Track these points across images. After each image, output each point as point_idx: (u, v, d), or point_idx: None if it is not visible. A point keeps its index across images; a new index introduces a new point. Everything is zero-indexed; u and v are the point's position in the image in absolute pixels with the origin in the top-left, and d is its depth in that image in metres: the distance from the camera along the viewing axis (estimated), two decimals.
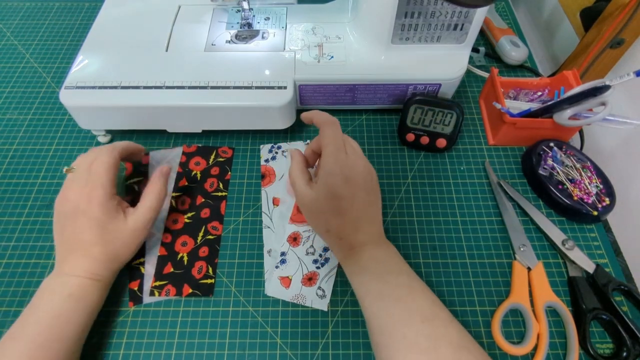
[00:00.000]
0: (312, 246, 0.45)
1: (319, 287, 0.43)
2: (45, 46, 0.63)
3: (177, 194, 0.49)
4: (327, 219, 0.37)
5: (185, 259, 0.44)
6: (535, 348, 0.39)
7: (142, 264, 0.44)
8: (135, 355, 0.39)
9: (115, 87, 0.47)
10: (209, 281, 0.43)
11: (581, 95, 0.45)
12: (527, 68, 0.61)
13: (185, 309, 0.42)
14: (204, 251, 0.45)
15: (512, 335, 0.41)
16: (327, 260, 0.44)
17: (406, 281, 0.36)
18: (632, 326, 0.38)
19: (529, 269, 0.43)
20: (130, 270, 0.43)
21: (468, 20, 0.47)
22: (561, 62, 0.60)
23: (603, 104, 0.44)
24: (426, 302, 0.34)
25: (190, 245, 0.45)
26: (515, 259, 0.44)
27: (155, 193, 0.42)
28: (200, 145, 0.52)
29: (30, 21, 0.67)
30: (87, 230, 0.38)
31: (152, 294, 0.42)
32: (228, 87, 0.47)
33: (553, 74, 0.59)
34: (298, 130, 0.54)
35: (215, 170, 0.50)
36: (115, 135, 0.53)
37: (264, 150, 0.52)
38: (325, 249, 0.45)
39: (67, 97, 0.46)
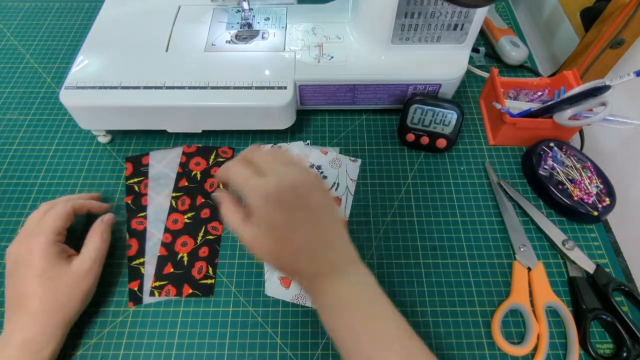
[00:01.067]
0: None
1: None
2: (45, 46, 0.63)
3: (177, 194, 0.48)
4: (275, 255, 0.31)
5: (186, 259, 0.44)
6: (535, 348, 0.39)
7: (142, 264, 0.44)
8: (135, 355, 0.39)
9: (115, 87, 0.47)
10: (209, 281, 0.43)
11: (581, 95, 0.45)
12: (527, 68, 0.61)
13: (185, 309, 0.42)
14: (204, 251, 0.45)
15: (512, 336, 0.41)
16: None
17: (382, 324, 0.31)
18: (632, 326, 0.38)
19: (529, 269, 0.43)
20: (130, 270, 0.43)
21: (468, 20, 0.47)
22: (561, 62, 0.60)
23: (603, 104, 0.44)
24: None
25: (190, 245, 0.45)
26: (515, 259, 0.44)
27: (98, 234, 0.41)
28: (200, 145, 0.52)
29: (30, 21, 0.66)
30: (27, 281, 0.36)
31: (152, 294, 0.42)
32: (228, 87, 0.47)
33: (553, 74, 0.59)
34: (298, 130, 0.54)
35: (215, 171, 0.50)
36: (116, 135, 0.53)
37: None
38: None
39: (67, 97, 0.46)
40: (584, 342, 0.39)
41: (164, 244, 0.45)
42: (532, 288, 0.42)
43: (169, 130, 0.51)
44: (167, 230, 0.46)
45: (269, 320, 0.41)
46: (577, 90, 0.46)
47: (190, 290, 0.42)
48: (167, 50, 0.51)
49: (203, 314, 0.41)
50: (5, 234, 0.46)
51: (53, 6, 0.69)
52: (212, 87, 0.47)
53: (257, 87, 0.47)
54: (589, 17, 0.54)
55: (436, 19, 0.46)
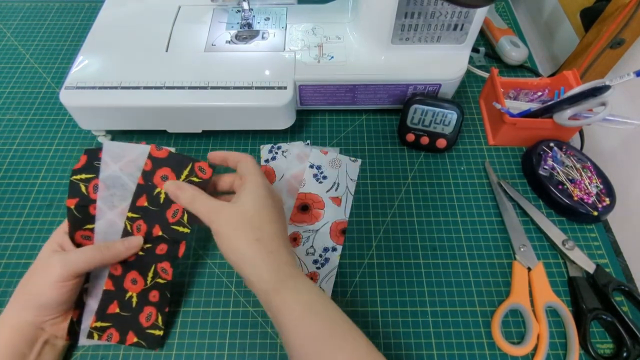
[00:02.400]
0: (312, 246, 0.45)
1: (319, 288, 0.42)
2: (45, 46, 0.63)
3: (133, 215, 0.38)
4: (259, 226, 0.34)
5: (135, 300, 0.38)
6: (535, 348, 0.39)
7: (85, 290, 0.38)
8: (136, 355, 0.39)
9: (115, 87, 0.47)
10: (157, 332, 0.38)
11: (581, 95, 0.45)
12: (527, 68, 0.61)
13: (185, 309, 0.42)
14: (154, 295, 0.39)
15: (512, 336, 0.41)
16: (327, 260, 0.44)
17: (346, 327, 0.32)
18: (632, 326, 0.38)
19: (529, 269, 0.43)
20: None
21: (468, 20, 0.47)
22: (561, 62, 0.60)
23: (603, 104, 0.44)
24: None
25: (140, 284, 0.38)
26: (515, 259, 0.44)
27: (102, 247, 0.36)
28: (173, 150, 0.39)
29: (30, 21, 0.67)
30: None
31: (90, 335, 0.37)
32: (228, 88, 0.47)
33: (553, 74, 0.59)
34: (298, 130, 0.54)
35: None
36: (116, 135, 0.53)
37: (264, 150, 0.52)
38: (325, 249, 0.45)
39: (67, 97, 0.46)
40: (584, 342, 0.39)
41: (111, 276, 0.37)
42: (532, 288, 0.42)
43: (169, 131, 0.51)
44: None
45: (269, 320, 0.41)
46: (577, 90, 0.46)
47: (135, 339, 0.38)
48: (167, 50, 0.51)
49: (203, 314, 0.41)
50: (5, 233, 0.46)
51: (53, 6, 0.69)
52: (212, 87, 0.47)
53: (257, 87, 0.47)
54: (589, 17, 0.54)
55: (436, 19, 0.46)
